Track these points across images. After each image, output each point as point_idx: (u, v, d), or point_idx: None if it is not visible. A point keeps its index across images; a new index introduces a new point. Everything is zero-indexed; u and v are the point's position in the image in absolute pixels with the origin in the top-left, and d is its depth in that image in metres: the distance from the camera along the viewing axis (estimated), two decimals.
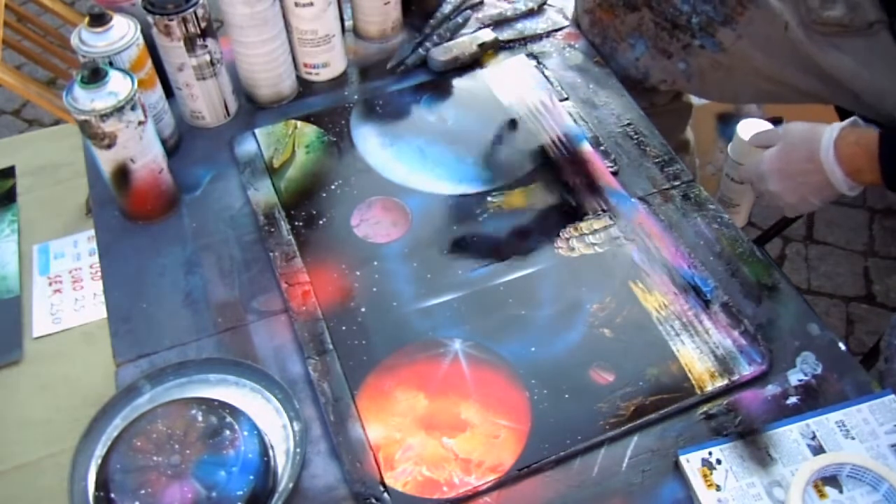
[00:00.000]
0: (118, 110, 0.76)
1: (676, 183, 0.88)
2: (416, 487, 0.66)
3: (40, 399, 1.20)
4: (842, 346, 0.74)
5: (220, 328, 0.77)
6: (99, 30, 0.81)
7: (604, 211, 0.85)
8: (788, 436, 0.67)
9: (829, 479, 0.65)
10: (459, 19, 1.08)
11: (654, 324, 0.75)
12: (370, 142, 0.94)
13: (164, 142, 0.88)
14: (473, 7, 1.11)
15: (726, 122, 1.55)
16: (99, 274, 0.90)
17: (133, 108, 0.77)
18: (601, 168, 0.89)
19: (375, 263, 0.81)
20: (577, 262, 0.81)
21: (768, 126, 1.09)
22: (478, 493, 0.66)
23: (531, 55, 1.03)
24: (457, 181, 0.89)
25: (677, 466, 0.67)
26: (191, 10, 0.85)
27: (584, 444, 0.68)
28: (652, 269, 0.79)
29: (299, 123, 0.96)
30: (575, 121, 0.94)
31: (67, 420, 1.15)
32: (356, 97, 1.00)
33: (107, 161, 0.81)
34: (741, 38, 0.96)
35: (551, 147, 0.92)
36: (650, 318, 0.76)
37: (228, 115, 0.97)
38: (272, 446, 0.67)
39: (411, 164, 0.91)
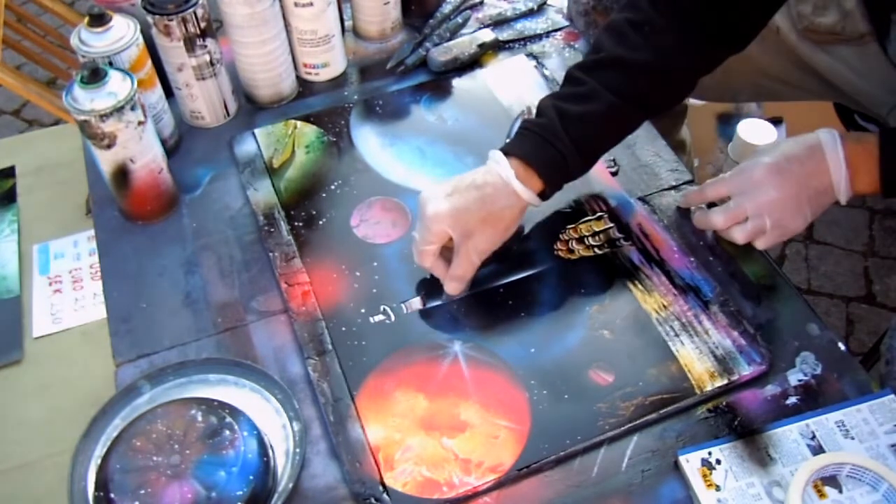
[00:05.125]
0: (118, 110, 0.76)
1: (676, 183, 0.88)
2: (415, 487, 0.66)
3: (40, 399, 1.20)
4: (841, 346, 0.74)
5: (220, 328, 0.77)
6: (99, 30, 0.81)
7: (603, 212, 0.85)
8: (788, 436, 0.68)
9: (829, 479, 0.65)
10: (459, 19, 1.08)
11: (653, 324, 0.75)
12: (370, 142, 0.94)
13: (163, 142, 0.88)
14: (473, 7, 1.11)
15: (726, 122, 1.55)
16: (99, 274, 0.90)
17: (133, 109, 0.77)
18: (600, 169, 0.89)
19: (375, 264, 0.81)
20: (577, 265, 0.81)
21: (768, 126, 1.09)
22: (477, 494, 0.66)
23: (531, 55, 1.03)
24: None
25: (677, 466, 0.67)
26: (190, 10, 0.85)
27: (583, 445, 0.68)
28: (651, 271, 0.79)
29: (299, 123, 0.96)
30: None
31: (67, 420, 1.15)
32: (356, 97, 1.00)
33: (107, 161, 0.81)
34: None
35: None
36: (650, 318, 0.76)
37: (228, 115, 0.97)
38: (272, 446, 0.67)
39: (411, 164, 0.91)
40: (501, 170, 0.74)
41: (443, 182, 0.76)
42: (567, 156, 0.75)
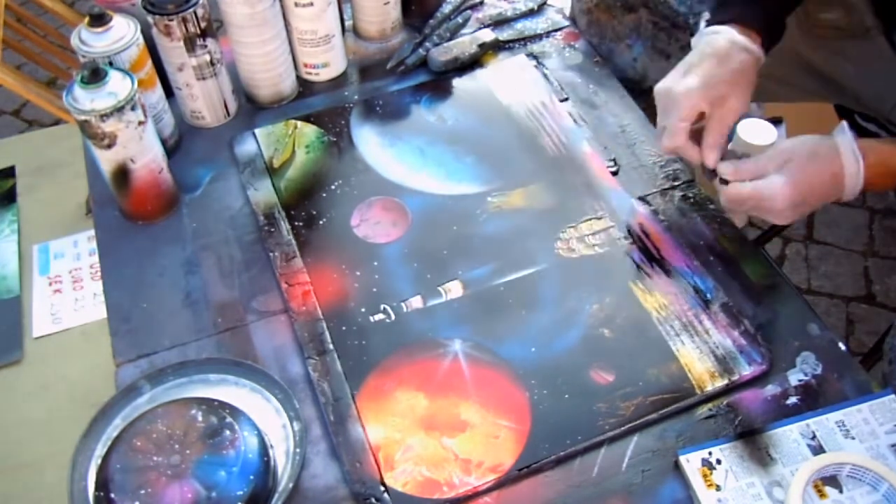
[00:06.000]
0: (118, 110, 0.76)
1: (676, 183, 0.88)
2: (415, 487, 0.66)
3: (40, 399, 1.21)
4: (842, 346, 0.74)
5: (220, 328, 0.77)
6: (99, 30, 0.81)
7: (604, 211, 0.85)
8: (788, 436, 0.68)
9: (829, 479, 0.65)
10: (459, 19, 1.08)
11: (653, 324, 0.75)
12: (370, 142, 0.94)
13: (164, 142, 0.88)
14: (473, 7, 1.11)
15: None
16: (99, 274, 0.90)
17: (133, 108, 0.77)
18: (601, 168, 0.89)
19: (375, 263, 0.81)
20: (577, 263, 0.81)
21: (768, 126, 1.09)
22: (478, 493, 0.66)
23: (531, 55, 1.03)
24: (457, 181, 0.89)
25: (677, 466, 0.67)
26: (191, 10, 0.85)
27: (584, 444, 0.68)
28: (652, 270, 0.79)
29: (299, 123, 0.96)
30: (575, 121, 0.94)
31: (67, 420, 1.15)
32: (356, 97, 1.00)
33: (107, 161, 0.81)
34: None
35: (551, 147, 0.92)
36: (650, 318, 0.76)
37: (228, 115, 0.97)
38: (272, 446, 0.67)
39: (411, 164, 0.91)
40: (725, 33, 0.78)
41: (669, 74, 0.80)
42: (770, 9, 0.80)
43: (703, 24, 0.83)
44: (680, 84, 0.77)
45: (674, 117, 0.77)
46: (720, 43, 0.78)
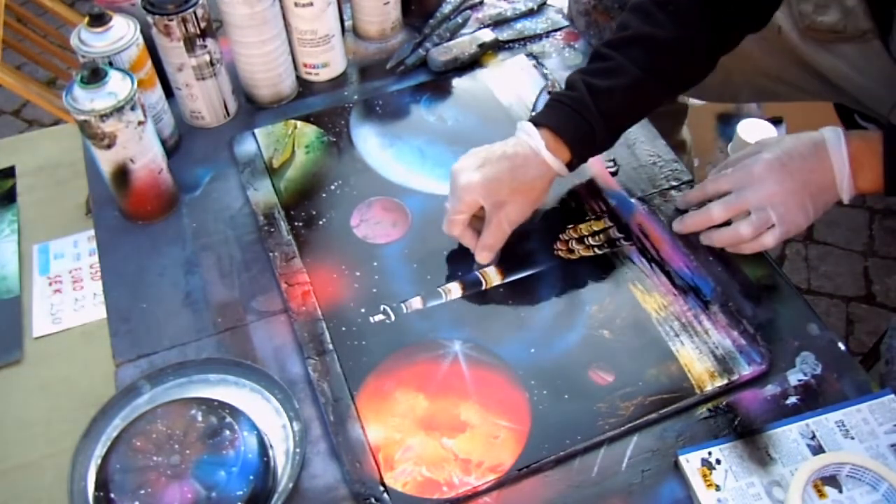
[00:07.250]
0: (118, 110, 0.76)
1: (676, 183, 0.88)
2: (415, 487, 0.66)
3: (40, 399, 1.20)
4: (841, 346, 0.74)
5: (220, 328, 0.77)
6: (99, 30, 0.81)
7: (603, 212, 0.85)
8: (788, 436, 0.68)
9: (829, 479, 0.65)
10: (459, 19, 1.08)
11: (653, 324, 0.75)
12: (370, 142, 0.94)
13: (163, 142, 0.88)
14: (473, 7, 1.11)
15: (726, 122, 1.55)
16: (99, 274, 0.90)
17: (133, 108, 0.78)
18: (600, 169, 0.89)
19: (375, 264, 0.81)
20: (577, 264, 0.81)
21: (768, 126, 1.09)
22: (477, 494, 0.66)
23: (531, 55, 1.03)
24: None
25: (677, 466, 0.67)
26: (190, 10, 0.85)
27: (583, 444, 0.68)
28: (651, 271, 0.79)
29: (299, 123, 0.96)
30: None
31: (67, 420, 1.15)
32: (356, 97, 1.00)
33: (106, 161, 0.81)
34: None
35: None
36: (650, 318, 0.76)
37: (228, 115, 0.97)
38: (272, 446, 0.67)
39: (411, 165, 0.91)
40: (531, 140, 0.77)
41: (472, 153, 0.78)
42: (595, 127, 0.77)
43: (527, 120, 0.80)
44: (464, 176, 0.76)
45: (452, 207, 0.77)
46: (522, 149, 0.77)
